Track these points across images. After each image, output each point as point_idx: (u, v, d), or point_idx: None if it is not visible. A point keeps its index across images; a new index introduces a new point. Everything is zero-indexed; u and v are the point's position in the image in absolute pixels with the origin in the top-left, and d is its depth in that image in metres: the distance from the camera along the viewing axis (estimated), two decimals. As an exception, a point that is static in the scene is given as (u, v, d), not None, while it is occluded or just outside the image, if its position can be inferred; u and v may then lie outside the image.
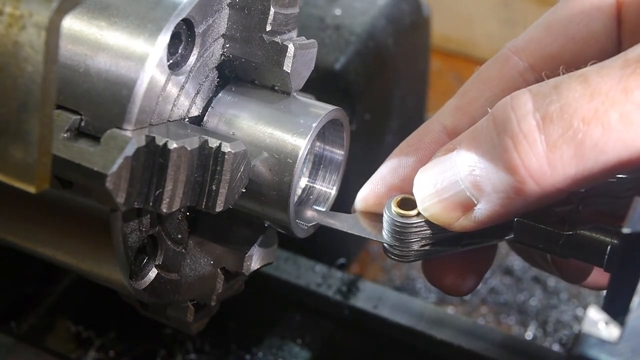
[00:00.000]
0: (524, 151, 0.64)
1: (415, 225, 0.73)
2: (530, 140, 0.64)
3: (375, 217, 0.78)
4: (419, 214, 0.73)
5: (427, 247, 0.74)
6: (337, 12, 1.03)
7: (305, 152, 0.74)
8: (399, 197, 0.75)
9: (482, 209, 0.68)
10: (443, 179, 0.70)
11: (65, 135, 0.68)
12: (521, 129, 0.64)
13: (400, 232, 0.74)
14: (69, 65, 0.70)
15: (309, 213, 0.81)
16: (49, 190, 0.63)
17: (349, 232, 0.78)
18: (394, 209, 0.74)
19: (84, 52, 0.70)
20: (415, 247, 0.74)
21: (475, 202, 0.68)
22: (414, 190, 0.73)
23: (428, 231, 0.73)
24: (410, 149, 0.77)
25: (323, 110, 0.77)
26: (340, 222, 0.79)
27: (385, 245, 0.76)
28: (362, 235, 0.77)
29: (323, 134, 0.82)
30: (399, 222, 0.73)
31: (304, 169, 0.82)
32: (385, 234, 0.75)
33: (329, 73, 0.98)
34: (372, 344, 0.98)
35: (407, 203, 0.74)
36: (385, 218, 0.74)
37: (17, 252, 0.84)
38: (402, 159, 0.77)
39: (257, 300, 1.00)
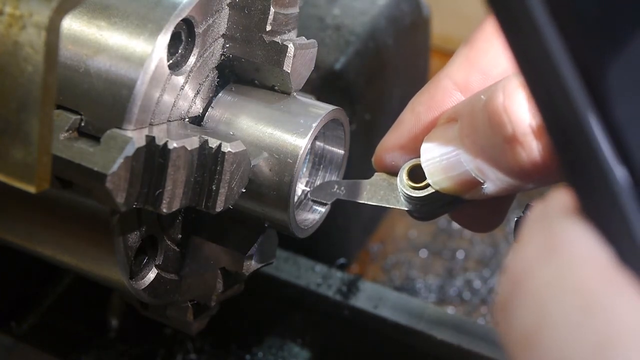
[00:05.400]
0: (521, 156, 0.64)
1: (427, 196, 0.74)
2: (527, 144, 0.64)
3: (392, 180, 0.77)
4: (429, 185, 0.73)
5: (445, 207, 0.75)
6: (337, 12, 1.03)
7: (306, 152, 0.74)
8: (409, 165, 0.75)
9: (490, 187, 0.69)
10: (449, 155, 0.70)
11: (65, 135, 0.68)
12: (515, 131, 0.64)
13: (415, 203, 0.75)
14: (69, 65, 0.70)
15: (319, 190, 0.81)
16: (49, 190, 0.63)
17: (367, 203, 0.77)
18: (406, 181, 0.74)
19: (84, 52, 0.70)
20: (434, 208, 0.75)
21: (482, 182, 0.69)
22: (422, 162, 0.73)
23: (442, 196, 0.74)
24: (422, 107, 0.76)
25: (323, 110, 0.77)
26: (358, 193, 0.78)
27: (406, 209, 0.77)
28: (381, 205, 0.77)
29: (323, 134, 0.82)
30: (412, 195, 0.74)
31: (304, 169, 0.82)
32: (403, 202, 0.76)
33: (329, 73, 0.98)
34: (372, 344, 0.97)
35: (418, 171, 0.74)
36: (400, 187, 0.75)
37: (17, 252, 0.84)
38: (415, 120, 0.76)
39: (257, 300, 1.00)
